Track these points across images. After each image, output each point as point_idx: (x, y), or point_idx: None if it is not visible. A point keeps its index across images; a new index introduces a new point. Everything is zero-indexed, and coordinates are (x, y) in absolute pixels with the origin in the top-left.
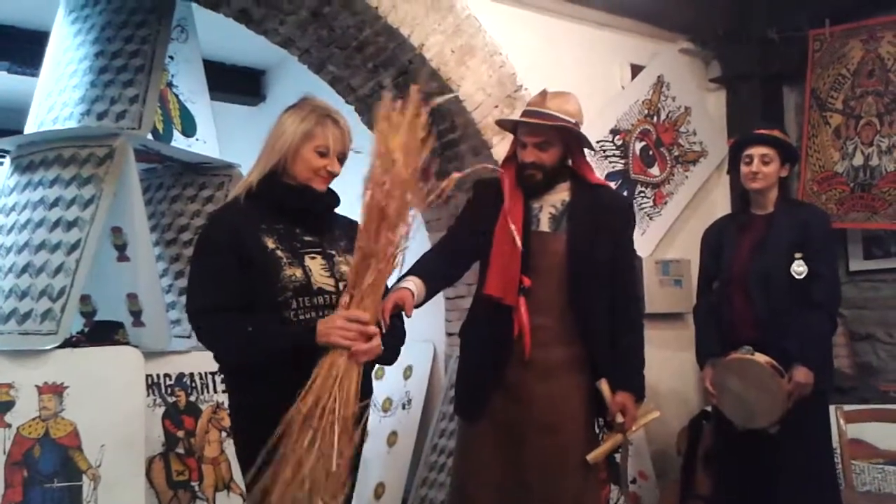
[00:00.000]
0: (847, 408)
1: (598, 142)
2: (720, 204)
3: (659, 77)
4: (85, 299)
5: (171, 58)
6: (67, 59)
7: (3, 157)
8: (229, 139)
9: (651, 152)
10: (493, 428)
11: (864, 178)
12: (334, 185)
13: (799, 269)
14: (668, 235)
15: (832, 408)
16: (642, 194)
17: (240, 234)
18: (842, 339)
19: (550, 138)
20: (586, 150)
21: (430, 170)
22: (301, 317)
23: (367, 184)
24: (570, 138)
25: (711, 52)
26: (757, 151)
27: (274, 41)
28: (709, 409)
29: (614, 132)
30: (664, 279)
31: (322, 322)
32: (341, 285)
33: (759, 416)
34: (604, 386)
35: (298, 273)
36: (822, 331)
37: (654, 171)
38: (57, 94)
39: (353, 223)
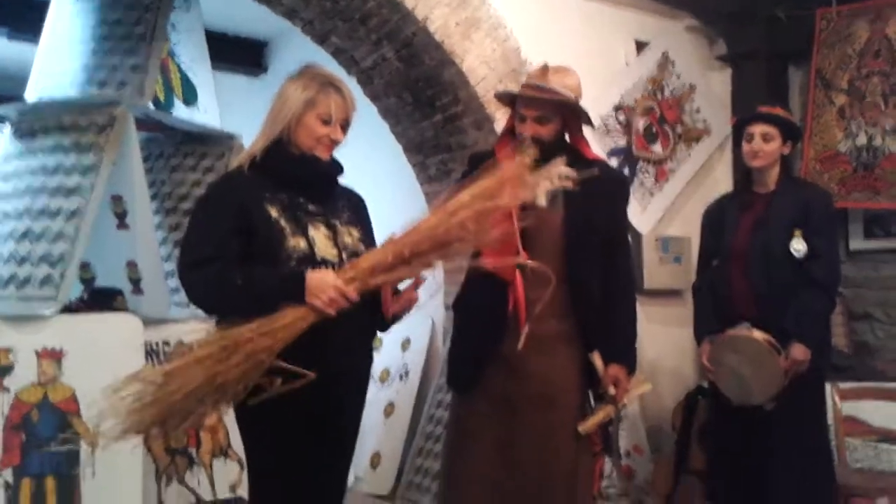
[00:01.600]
0: (843, 385)
1: (601, 117)
2: (722, 182)
3: (664, 54)
4: (84, 266)
5: (174, 26)
6: (69, 27)
7: (3, 123)
8: (230, 110)
9: (654, 129)
10: (488, 400)
11: (868, 158)
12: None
13: (798, 246)
14: (669, 212)
15: (828, 385)
16: (644, 171)
17: (243, 201)
18: (840, 318)
19: (550, 113)
20: (585, 127)
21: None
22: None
23: (453, 201)
24: (569, 114)
25: (717, 30)
26: (758, 129)
27: (277, 12)
28: (705, 385)
29: (617, 108)
30: (664, 256)
31: (314, 278)
32: (345, 255)
33: (756, 392)
34: (596, 358)
35: (302, 243)
36: (820, 309)
37: (657, 147)
38: (57, 62)
39: (356, 195)
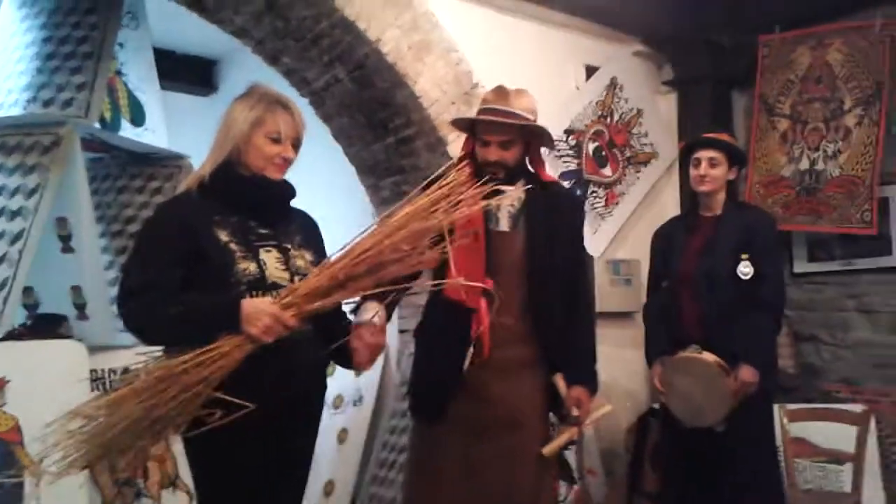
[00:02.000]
0: (791, 407)
1: (553, 141)
2: (670, 205)
3: (612, 79)
4: (28, 291)
5: (121, 45)
6: (14, 45)
7: None
8: (180, 130)
9: (604, 153)
10: (451, 425)
11: (810, 182)
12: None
13: (745, 269)
14: (619, 235)
15: (776, 407)
16: (595, 194)
17: (191, 226)
18: (786, 340)
19: (514, 137)
20: (543, 149)
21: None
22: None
23: (387, 223)
24: (530, 136)
25: (664, 56)
26: (705, 155)
27: (227, 31)
28: (657, 406)
29: (568, 132)
30: (615, 279)
31: (249, 305)
32: (296, 278)
33: (706, 413)
34: (559, 381)
35: (252, 267)
36: (767, 331)
37: (607, 171)
38: (2, 79)
39: (309, 217)
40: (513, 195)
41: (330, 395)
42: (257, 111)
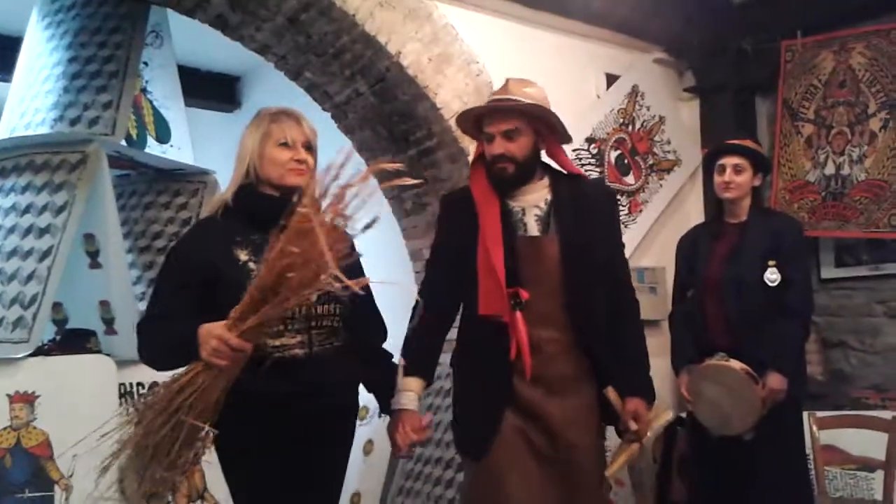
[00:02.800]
0: (820, 414)
1: (574, 150)
2: (694, 212)
3: (634, 87)
4: (57, 307)
5: (146, 63)
6: (40, 65)
7: None
8: (205, 146)
9: (626, 161)
10: (512, 453)
11: (836, 186)
12: None
13: (772, 276)
14: (644, 243)
15: (805, 414)
16: (618, 202)
17: (208, 251)
18: (814, 347)
19: (519, 125)
20: (564, 145)
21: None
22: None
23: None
24: (542, 126)
25: (685, 63)
26: (729, 161)
27: (250, 47)
28: (684, 415)
29: (590, 141)
30: (639, 286)
31: (203, 329)
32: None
33: (734, 422)
34: (611, 394)
35: None
36: (795, 337)
37: (630, 179)
38: (30, 99)
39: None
40: (537, 195)
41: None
42: (263, 126)
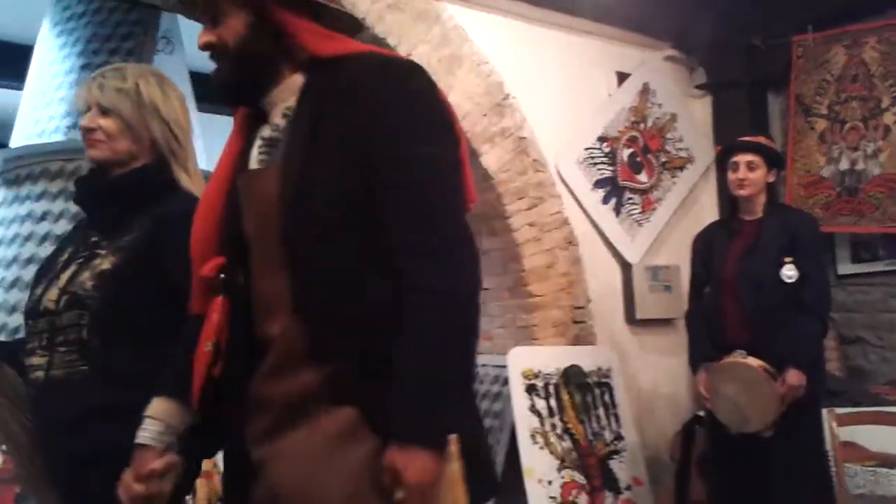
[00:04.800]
0: (839, 411)
1: (585, 149)
2: (708, 209)
3: (645, 84)
4: None
5: None
6: (53, 72)
7: None
8: (217, 151)
9: (638, 159)
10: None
11: (851, 181)
12: None
13: (789, 272)
14: (657, 241)
15: (824, 411)
16: (631, 201)
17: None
18: (832, 343)
19: (221, 3)
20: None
21: None
22: None
23: None
24: None
25: (696, 60)
26: (743, 158)
27: None
28: (702, 413)
29: (602, 139)
30: (654, 285)
31: None
32: None
33: (753, 419)
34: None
35: None
36: (813, 334)
37: (642, 177)
38: (43, 107)
39: None
40: (281, 106)
41: None
42: None
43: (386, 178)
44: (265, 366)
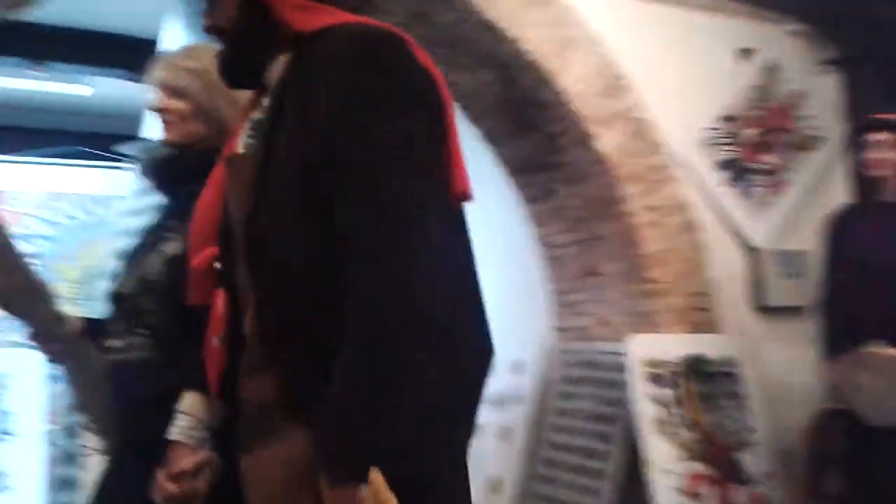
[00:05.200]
0: None
1: (707, 130)
2: (840, 191)
3: (769, 61)
4: None
5: None
6: None
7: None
8: None
9: (764, 139)
10: None
11: None
12: None
13: None
14: (786, 225)
15: None
16: (757, 183)
17: None
18: None
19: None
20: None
21: None
22: None
23: None
24: None
25: (824, 34)
26: (879, 137)
27: None
28: (835, 405)
29: (724, 119)
30: (783, 271)
31: None
32: None
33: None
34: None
35: None
36: None
37: (769, 157)
38: None
39: None
40: (270, 80)
41: (492, 392)
42: None
43: (338, 164)
44: (241, 365)
